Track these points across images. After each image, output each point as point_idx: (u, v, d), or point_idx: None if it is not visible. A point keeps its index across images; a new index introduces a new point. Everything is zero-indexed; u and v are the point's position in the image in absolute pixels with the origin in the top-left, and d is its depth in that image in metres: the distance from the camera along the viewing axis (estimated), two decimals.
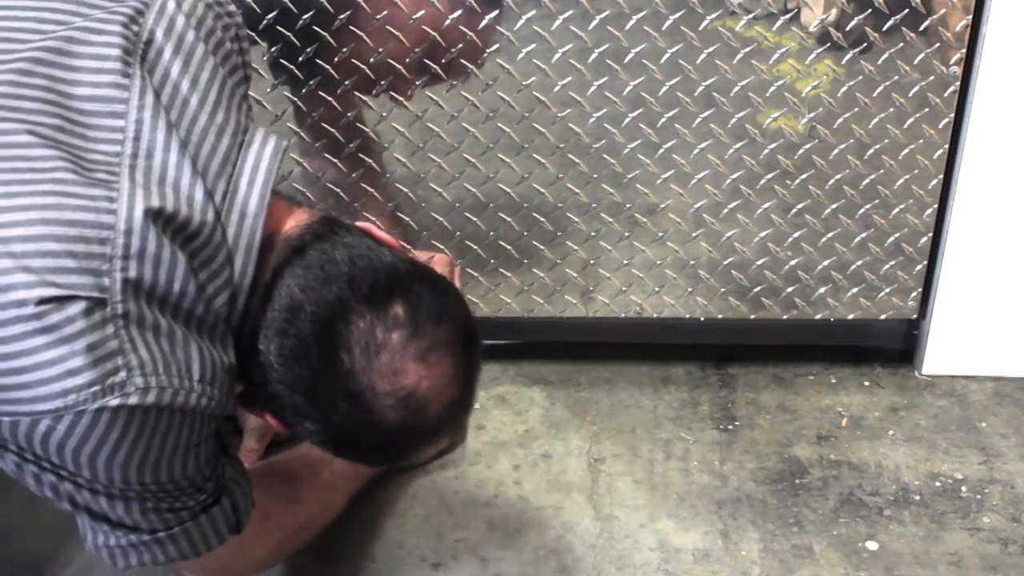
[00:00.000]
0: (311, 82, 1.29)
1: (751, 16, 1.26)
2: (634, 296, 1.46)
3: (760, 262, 1.43)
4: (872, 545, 1.20)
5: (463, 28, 1.26)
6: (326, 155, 1.35)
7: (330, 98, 1.30)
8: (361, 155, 1.36)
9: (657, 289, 1.45)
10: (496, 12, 1.25)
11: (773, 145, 1.34)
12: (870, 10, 1.25)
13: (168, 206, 0.79)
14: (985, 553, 1.19)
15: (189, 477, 0.86)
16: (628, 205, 1.40)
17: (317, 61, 1.27)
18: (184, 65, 0.85)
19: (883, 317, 1.46)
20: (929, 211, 1.38)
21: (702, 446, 1.36)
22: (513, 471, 1.32)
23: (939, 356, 1.48)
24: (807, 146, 1.34)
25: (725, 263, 1.43)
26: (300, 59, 1.27)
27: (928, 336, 1.46)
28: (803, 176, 1.36)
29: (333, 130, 1.33)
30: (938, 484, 1.29)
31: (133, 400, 0.75)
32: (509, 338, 1.56)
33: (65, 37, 0.82)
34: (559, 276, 1.45)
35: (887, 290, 1.44)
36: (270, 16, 1.24)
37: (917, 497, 1.27)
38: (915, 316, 1.47)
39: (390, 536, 1.23)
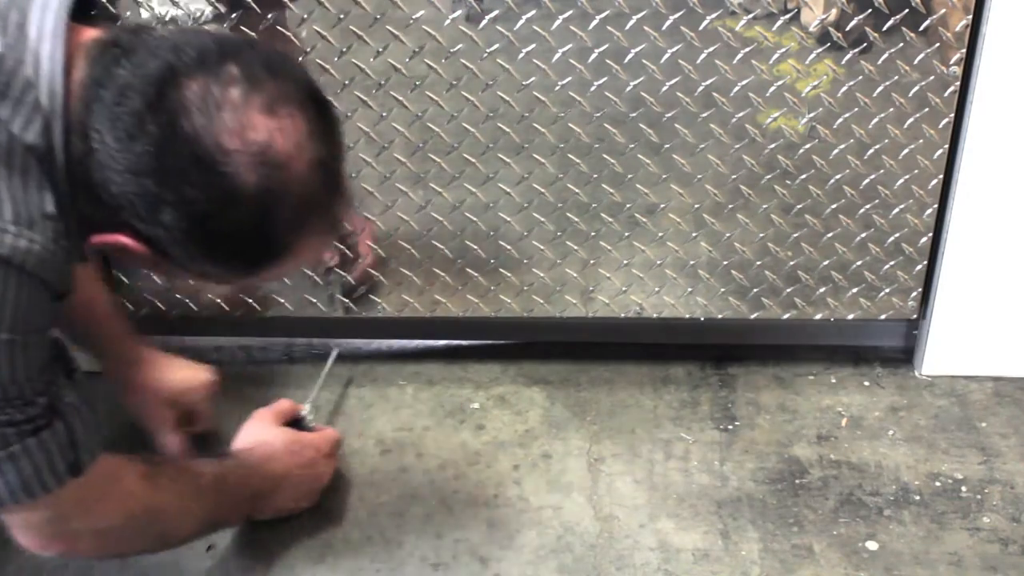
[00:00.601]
0: None
1: (751, 16, 1.26)
2: (634, 296, 1.46)
3: (760, 262, 1.43)
4: (872, 545, 1.20)
5: None
6: None
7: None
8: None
9: (657, 289, 1.45)
10: None
11: (773, 145, 1.34)
12: (870, 10, 1.25)
13: None
14: (985, 553, 1.19)
15: (17, 383, 0.81)
16: (628, 205, 1.40)
17: None
18: None
19: (883, 317, 1.46)
20: (929, 211, 1.38)
21: (702, 446, 1.36)
22: (513, 471, 1.32)
23: (939, 356, 1.48)
24: (807, 146, 1.34)
25: (725, 263, 1.43)
26: None
27: (928, 336, 1.46)
28: (803, 176, 1.36)
29: None
30: (938, 484, 1.29)
31: None
32: (509, 338, 1.56)
33: None
34: (559, 276, 1.45)
35: (887, 290, 1.44)
36: None
37: (917, 497, 1.27)
38: (915, 316, 1.47)
39: (390, 536, 1.23)
